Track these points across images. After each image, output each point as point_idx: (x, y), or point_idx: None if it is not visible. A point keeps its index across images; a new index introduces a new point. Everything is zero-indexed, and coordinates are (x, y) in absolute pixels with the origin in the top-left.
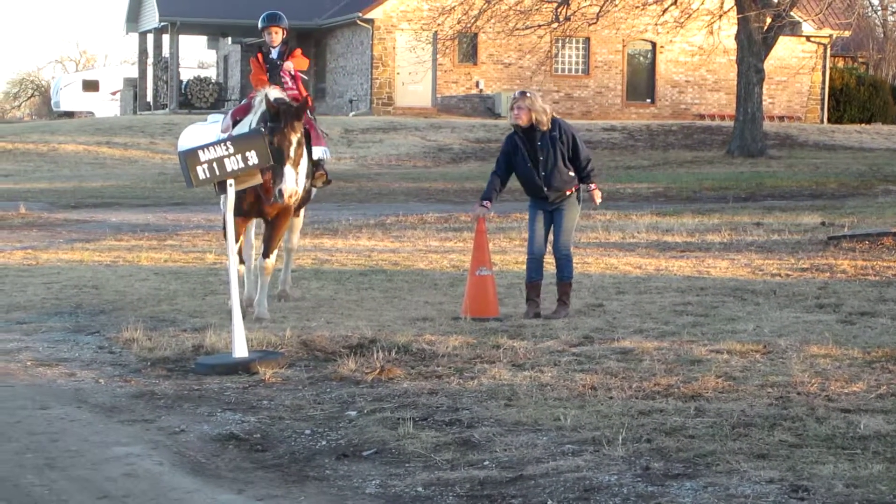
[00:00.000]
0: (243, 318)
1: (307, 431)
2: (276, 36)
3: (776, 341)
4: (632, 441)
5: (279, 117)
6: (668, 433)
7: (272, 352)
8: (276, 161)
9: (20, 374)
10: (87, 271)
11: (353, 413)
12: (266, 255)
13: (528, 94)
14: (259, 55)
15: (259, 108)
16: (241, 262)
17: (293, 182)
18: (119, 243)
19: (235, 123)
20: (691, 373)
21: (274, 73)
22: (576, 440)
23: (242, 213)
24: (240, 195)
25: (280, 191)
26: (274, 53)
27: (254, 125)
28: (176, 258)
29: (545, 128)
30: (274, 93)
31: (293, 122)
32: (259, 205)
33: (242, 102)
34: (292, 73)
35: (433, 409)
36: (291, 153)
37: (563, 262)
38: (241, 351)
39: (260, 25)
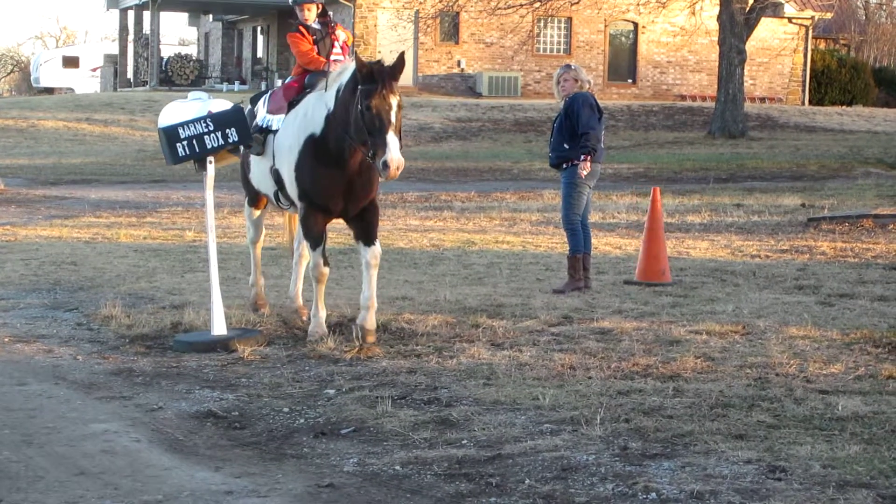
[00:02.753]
0: (260, 309)
1: (285, 409)
2: (310, 13)
3: (755, 322)
4: (610, 421)
5: (374, 78)
6: (646, 413)
7: (251, 329)
8: (372, 129)
9: None
10: (66, 248)
11: (332, 391)
12: (371, 242)
13: (573, 67)
14: (301, 28)
15: (338, 79)
16: (326, 263)
17: (398, 151)
18: (98, 220)
19: (291, 105)
20: (670, 353)
21: (323, 50)
22: (554, 420)
23: (323, 209)
24: (324, 188)
25: (384, 162)
26: (315, 24)
27: (332, 100)
28: (155, 235)
29: (563, 95)
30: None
31: (391, 82)
32: (346, 198)
33: (288, 80)
34: (342, 43)
35: (412, 387)
36: (392, 118)
37: (566, 235)
38: (219, 328)
39: (291, 0)
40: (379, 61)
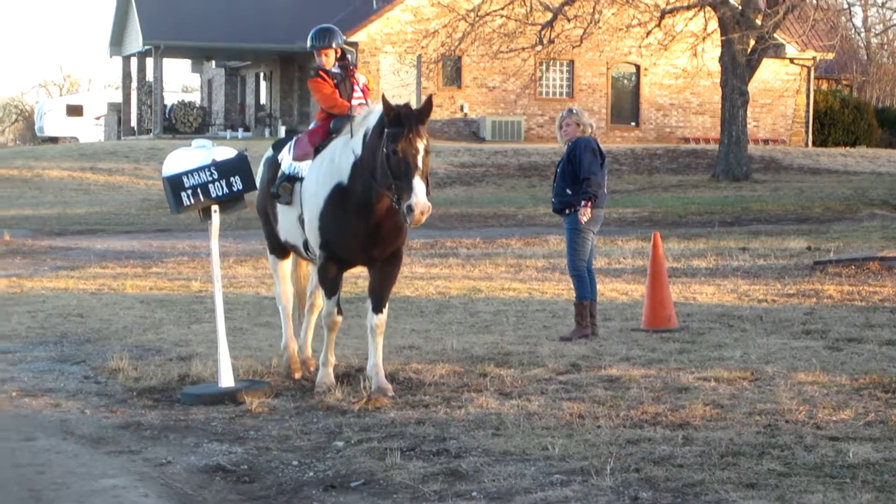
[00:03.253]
0: (294, 374)
1: (294, 462)
2: (328, 58)
3: (763, 368)
4: (620, 471)
5: (400, 121)
6: (656, 462)
7: (258, 381)
8: (398, 174)
9: (5, 405)
10: (73, 299)
11: (341, 443)
12: (378, 309)
13: (575, 111)
14: (321, 72)
15: (364, 123)
16: (340, 311)
17: (424, 196)
18: (104, 271)
19: (317, 150)
20: (679, 401)
21: (344, 93)
22: (564, 470)
23: (343, 260)
24: (348, 240)
25: (409, 206)
26: (335, 69)
27: (359, 146)
28: (161, 286)
29: (566, 140)
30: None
31: (417, 126)
32: (370, 247)
33: (312, 126)
34: (362, 86)
35: (420, 438)
36: (419, 163)
37: (573, 282)
38: (227, 380)
39: (309, 45)
40: (406, 104)
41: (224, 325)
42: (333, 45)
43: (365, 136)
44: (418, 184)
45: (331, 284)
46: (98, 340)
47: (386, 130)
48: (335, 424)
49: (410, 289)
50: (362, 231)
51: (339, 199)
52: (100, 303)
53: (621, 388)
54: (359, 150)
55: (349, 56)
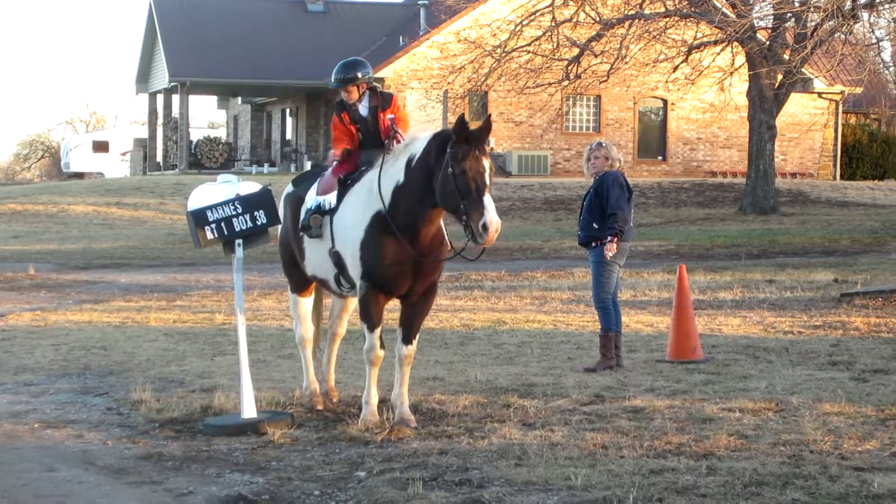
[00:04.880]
0: (316, 406)
1: (316, 492)
2: (351, 94)
3: (789, 399)
4: (643, 500)
5: (468, 140)
6: (679, 492)
7: (281, 412)
8: (468, 193)
9: (27, 436)
10: (96, 332)
11: (363, 474)
12: (409, 340)
13: (604, 144)
14: (344, 115)
15: (407, 150)
16: (383, 346)
17: (495, 213)
18: (128, 304)
19: (345, 183)
20: (703, 431)
21: (370, 137)
22: (587, 500)
23: (385, 290)
24: (391, 266)
25: (484, 225)
26: (363, 110)
27: (401, 172)
28: (185, 319)
29: (593, 173)
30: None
31: (482, 144)
32: (411, 275)
33: (336, 162)
34: (388, 126)
35: (443, 469)
36: (487, 180)
37: (598, 314)
38: (249, 411)
39: (333, 81)
40: (468, 123)
41: (247, 356)
42: (358, 79)
43: (409, 161)
44: (489, 201)
45: (373, 318)
46: (121, 373)
47: (450, 150)
48: (357, 455)
49: (435, 321)
50: (405, 257)
51: (380, 226)
52: (123, 335)
53: (645, 419)
54: (401, 176)
55: (381, 95)
